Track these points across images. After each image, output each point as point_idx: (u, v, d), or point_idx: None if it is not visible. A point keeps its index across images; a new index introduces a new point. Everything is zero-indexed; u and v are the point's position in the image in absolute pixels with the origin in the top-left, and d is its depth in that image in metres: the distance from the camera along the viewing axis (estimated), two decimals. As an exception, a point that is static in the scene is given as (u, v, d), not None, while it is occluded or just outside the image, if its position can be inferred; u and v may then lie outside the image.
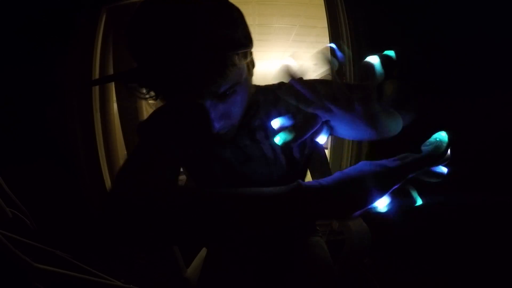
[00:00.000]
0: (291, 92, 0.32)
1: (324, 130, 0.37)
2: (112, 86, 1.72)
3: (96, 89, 1.62)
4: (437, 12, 1.29)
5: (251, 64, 0.50)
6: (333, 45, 0.34)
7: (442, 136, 0.33)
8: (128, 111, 1.69)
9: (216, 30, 0.39)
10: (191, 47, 0.37)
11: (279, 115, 0.36)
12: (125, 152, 1.81)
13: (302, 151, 0.58)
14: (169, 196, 0.32)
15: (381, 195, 0.30)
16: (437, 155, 0.31)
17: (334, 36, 1.44)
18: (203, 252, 0.77)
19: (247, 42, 0.43)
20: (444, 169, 0.33)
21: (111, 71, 1.68)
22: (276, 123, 0.34)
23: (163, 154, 0.42)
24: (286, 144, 0.34)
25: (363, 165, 0.33)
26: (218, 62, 0.40)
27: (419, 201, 0.33)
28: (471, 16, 1.27)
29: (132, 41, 0.40)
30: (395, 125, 0.35)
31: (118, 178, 0.36)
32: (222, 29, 0.39)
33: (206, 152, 0.56)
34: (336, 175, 0.33)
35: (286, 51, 4.23)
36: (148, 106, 2.51)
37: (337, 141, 1.55)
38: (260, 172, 0.57)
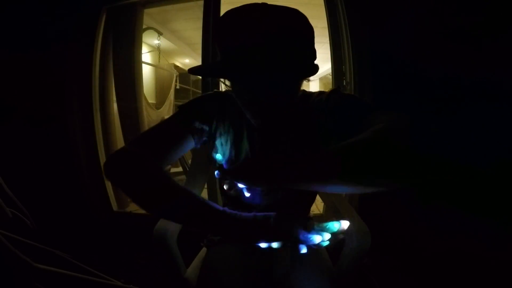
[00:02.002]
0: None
1: None
2: (112, 86, 1.72)
3: (96, 89, 1.62)
4: (436, 12, 1.29)
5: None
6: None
7: (333, 227, 0.40)
8: (128, 111, 1.69)
9: (298, 52, 0.46)
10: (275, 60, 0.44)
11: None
12: (125, 152, 1.80)
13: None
14: (150, 176, 0.43)
15: None
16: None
17: (334, 36, 1.44)
18: (203, 252, 0.77)
19: (315, 69, 0.48)
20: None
21: (111, 71, 1.68)
22: None
23: (179, 131, 0.53)
24: None
25: None
26: (287, 81, 0.49)
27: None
28: (470, 17, 1.27)
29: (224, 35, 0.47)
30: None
31: (132, 140, 0.50)
32: (303, 56, 0.47)
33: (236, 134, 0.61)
34: None
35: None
36: (148, 107, 2.51)
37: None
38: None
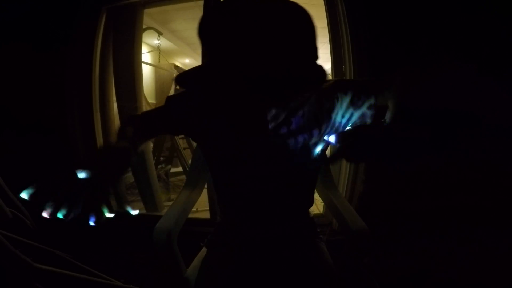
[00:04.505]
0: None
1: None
2: (112, 86, 1.72)
3: (96, 89, 1.61)
4: (437, 12, 1.29)
5: None
6: None
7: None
8: (128, 111, 1.69)
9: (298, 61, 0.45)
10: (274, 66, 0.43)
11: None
12: (125, 152, 1.80)
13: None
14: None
15: None
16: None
17: (334, 36, 1.44)
18: (203, 252, 0.77)
19: (322, 76, 0.48)
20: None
21: (111, 71, 1.68)
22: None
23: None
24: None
25: None
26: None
27: None
28: (469, 16, 1.27)
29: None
30: None
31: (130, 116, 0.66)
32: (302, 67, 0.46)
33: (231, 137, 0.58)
34: None
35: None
36: (148, 107, 2.51)
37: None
38: (269, 161, 0.58)
